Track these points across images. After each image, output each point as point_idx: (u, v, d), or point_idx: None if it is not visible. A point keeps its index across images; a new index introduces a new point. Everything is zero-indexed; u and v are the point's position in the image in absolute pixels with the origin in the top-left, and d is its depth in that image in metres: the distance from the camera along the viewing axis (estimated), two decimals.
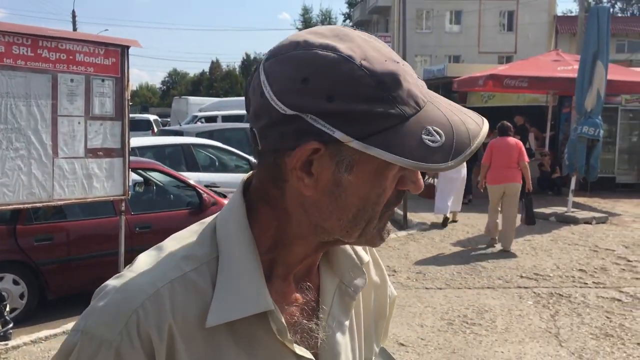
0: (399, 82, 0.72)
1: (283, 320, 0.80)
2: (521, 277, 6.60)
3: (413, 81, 0.74)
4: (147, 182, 6.68)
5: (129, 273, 0.79)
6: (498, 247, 7.89)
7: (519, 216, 8.08)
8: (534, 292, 6.07)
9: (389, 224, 0.83)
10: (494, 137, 8.16)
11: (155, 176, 6.70)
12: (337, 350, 0.87)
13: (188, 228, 0.85)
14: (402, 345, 4.71)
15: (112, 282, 0.79)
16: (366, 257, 0.94)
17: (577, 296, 5.95)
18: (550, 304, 5.71)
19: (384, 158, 0.70)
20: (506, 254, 7.57)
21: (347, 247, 0.91)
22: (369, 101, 0.70)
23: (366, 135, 0.71)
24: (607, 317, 5.36)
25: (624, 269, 6.93)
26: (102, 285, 0.80)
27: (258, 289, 0.78)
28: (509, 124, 8.21)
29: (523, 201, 8.28)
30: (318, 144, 0.72)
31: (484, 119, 0.78)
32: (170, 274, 0.77)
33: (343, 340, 0.88)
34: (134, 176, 6.03)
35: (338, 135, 0.71)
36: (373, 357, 1.00)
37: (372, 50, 0.74)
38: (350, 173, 0.74)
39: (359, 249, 0.93)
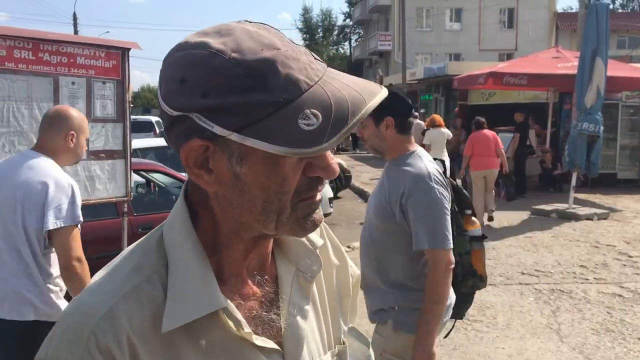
0: (274, 69, 0.71)
1: (238, 315, 0.81)
2: (522, 273, 6.63)
3: (297, 65, 0.73)
4: (149, 183, 6.72)
5: (83, 295, 0.81)
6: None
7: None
8: (535, 289, 6.09)
9: (316, 213, 0.81)
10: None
11: (157, 177, 6.74)
12: (300, 335, 0.89)
13: (136, 242, 0.87)
14: None
15: (69, 306, 0.81)
16: (319, 241, 0.95)
17: (578, 292, 5.97)
18: (551, 300, 5.73)
19: (261, 148, 0.70)
20: (508, 250, 7.60)
21: None
22: (242, 92, 0.70)
23: (244, 127, 0.71)
24: (608, 313, 5.38)
25: (625, 265, 6.95)
26: (63, 310, 0.82)
27: (209, 289, 0.79)
28: (483, 119, 9.37)
29: (501, 182, 10.08)
30: (201, 140, 0.74)
31: (382, 89, 0.76)
32: (121, 289, 0.79)
33: (306, 325, 0.90)
34: (136, 177, 6.06)
35: (217, 130, 0.72)
36: (342, 336, 1.02)
37: (249, 41, 0.74)
38: (242, 166, 0.75)
39: (311, 235, 0.92)
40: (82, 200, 4.72)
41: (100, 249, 5.72)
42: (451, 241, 2.38)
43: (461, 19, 38.92)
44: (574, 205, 9.96)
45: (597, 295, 5.88)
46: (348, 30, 58.08)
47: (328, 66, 0.79)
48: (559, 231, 8.76)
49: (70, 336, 0.76)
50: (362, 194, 13.21)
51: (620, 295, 5.86)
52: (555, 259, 7.21)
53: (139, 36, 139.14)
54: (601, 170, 11.19)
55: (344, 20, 59.19)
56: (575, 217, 9.56)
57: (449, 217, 2.40)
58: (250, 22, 0.80)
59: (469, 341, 4.77)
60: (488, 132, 9.14)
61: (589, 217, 9.59)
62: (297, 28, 58.86)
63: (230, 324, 0.80)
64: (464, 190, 2.68)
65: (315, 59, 0.76)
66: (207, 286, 0.79)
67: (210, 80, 0.71)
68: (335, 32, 58.57)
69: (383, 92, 0.75)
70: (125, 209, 5.12)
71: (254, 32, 0.75)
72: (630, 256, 7.32)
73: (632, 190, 12.75)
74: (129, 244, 4.48)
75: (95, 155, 4.68)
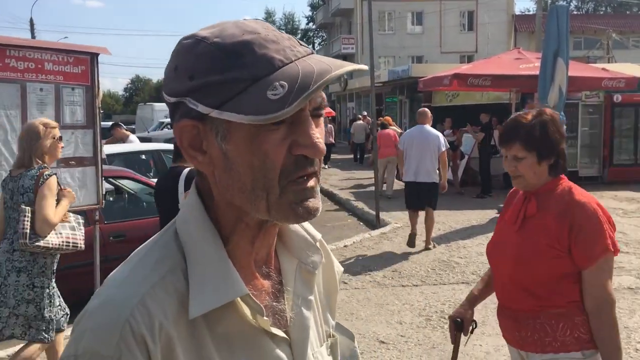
0: (250, 49, 0.76)
1: (259, 303, 0.83)
2: None
3: (275, 47, 0.77)
4: (118, 190, 6.59)
5: (107, 290, 0.81)
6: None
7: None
8: None
9: (311, 202, 0.81)
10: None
11: (127, 184, 6.62)
12: (305, 324, 0.92)
13: (149, 239, 0.88)
14: (383, 342, 4.77)
15: (94, 302, 0.80)
16: (318, 235, 0.98)
17: None
18: None
19: (233, 119, 0.75)
20: (478, 248, 7.72)
21: (299, 228, 0.95)
22: (221, 71, 0.76)
23: (222, 103, 0.76)
24: None
25: None
26: (82, 311, 0.81)
27: (230, 277, 0.81)
28: (386, 122, 13.27)
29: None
30: (189, 120, 0.79)
31: (352, 65, 0.78)
32: (149, 280, 0.80)
33: (310, 315, 0.94)
34: (105, 184, 5.94)
35: (201, 108, 0.77)
36: (331, 330, 1.05)
37: (233, 29, 0.79)
38: (227, 142, 0.78)
39: (310, 228, 0.97)
40: None
41: (71, 259, 5.58)
42: None
43: (422, 22, 39.43)
44: None
45: None
46: (311, 34, 58.26)
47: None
48: None
49: (103, 328, 0.75)
50: (331, 196, 13.25)
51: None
52: None
53: (98, 41, 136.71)
54: None
55: (307, 24, 59.40)
56: None
57: None
58: (247, 18, 0.84)
59: (446, 340, 4.82)
60: (390, 131, 12.83)
61: None
62: None
63: (247, 312, 0.82)
64: None
65: (300, 44, 0.81)
66: (228, 274, 0.81)
67: (195, 64, 0.78)
68: (299, 36, 58.68)
69: (358, 66, 0.79)
70: (97, 217, 5.02)
71: (240, 22, 0.81)
72: None
73: (593, 188, 13.09)
74: (100, 253, 4.41)
75: (65, 162, 4.58)
